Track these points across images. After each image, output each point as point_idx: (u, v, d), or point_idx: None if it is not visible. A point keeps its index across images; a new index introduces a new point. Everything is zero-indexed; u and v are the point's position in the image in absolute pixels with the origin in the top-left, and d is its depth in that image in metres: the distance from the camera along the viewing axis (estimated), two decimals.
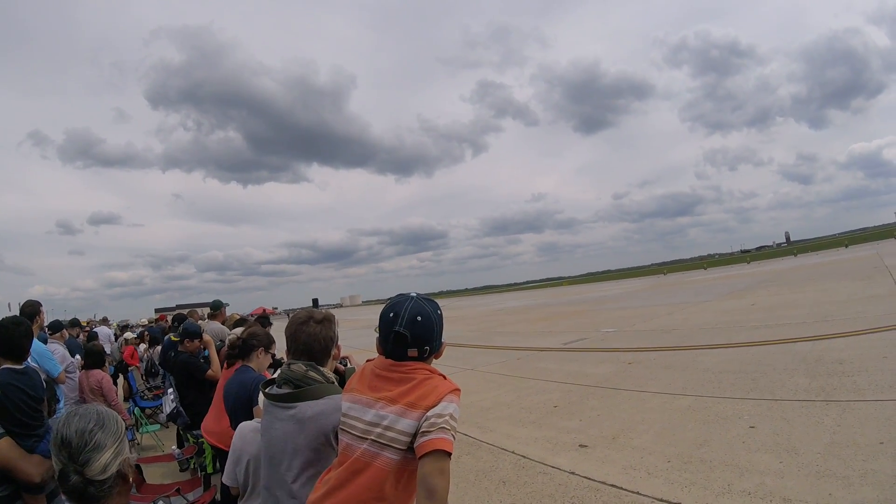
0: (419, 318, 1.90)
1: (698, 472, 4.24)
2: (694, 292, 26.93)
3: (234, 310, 9.13)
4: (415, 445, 1.75)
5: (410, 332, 1.88)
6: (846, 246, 65.21)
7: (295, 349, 2.40)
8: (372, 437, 1.83)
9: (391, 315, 1.93)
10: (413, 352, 1.91)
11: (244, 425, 2.81)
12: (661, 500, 3.83)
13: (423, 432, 1.73)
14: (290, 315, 2.75)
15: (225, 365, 4.05)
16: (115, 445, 1.52)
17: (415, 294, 1.99)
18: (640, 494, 3.97)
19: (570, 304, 31.62)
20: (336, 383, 2.36)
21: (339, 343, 2.61)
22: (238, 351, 3.74)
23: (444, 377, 1.93)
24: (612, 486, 4.19)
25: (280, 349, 2.98)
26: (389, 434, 1.80)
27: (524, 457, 5.10)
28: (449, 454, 1.69)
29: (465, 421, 6.53)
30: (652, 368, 8.59)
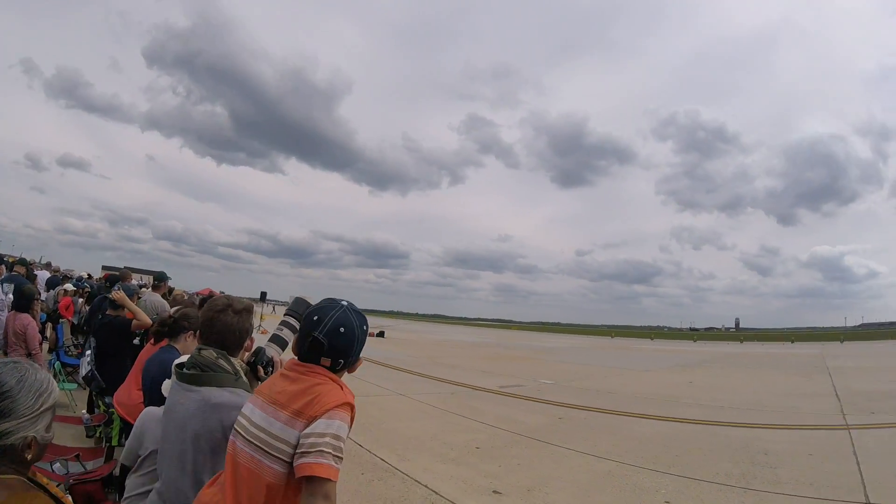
0: (342, 330, 1.79)
1: None
2: (637, 360, 27.28)
3: (181, 286, 8.86)
4: (294, 464, 1.63)
5: (329, 341, 1.78)
6: (792, 342, 66.89)
7: (208, 336, 2.27)
8: (258, 444, 1.71)
9: (314, 318, 1.82)
10: (326, 361, 1.80)
11: (150, 411, 2.67)
12: None
13: (302, 452, 1.62)
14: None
15: (151, 341, 3.87)
16: (23, 419, 1.41)
17: (346, 303, 1.88)
18: None
19: (516, 349, 31.74)
20: (244, 378, 2.24)
21: (253, 336, 2.50)
22: (167, 329, 3.56)
23: (342, 386, 1.81)
24: None
25: None
26: (276, 444, 1.68)
27: (435, 492, 4.97)
28: (329, 479, 1.59)
29: (384, 446, 6.40)
30: (581, 427, 8.55)
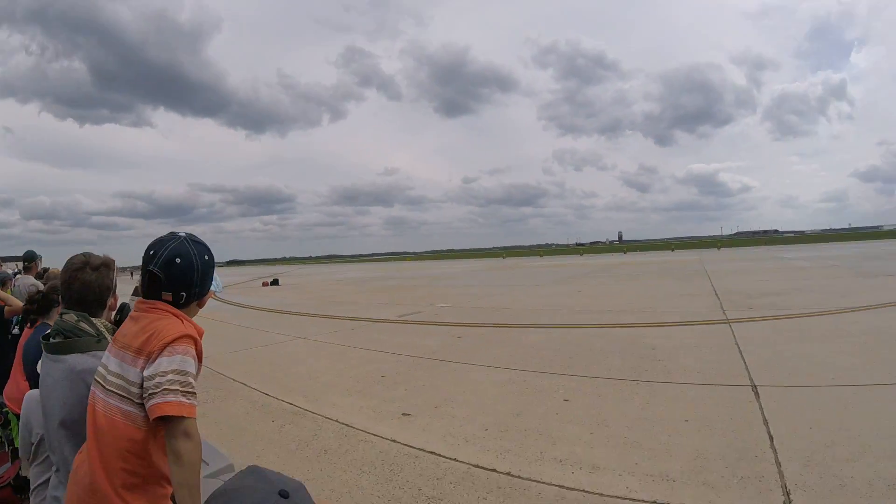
0: (178, 261, 1.76)
1: (513, 440, 4.48)
2: (528, 276, 28.57)
3: (59, 265, 8.26)
4: (145, 406, 1.61)
5: (165, 273, 1.74)
6: (672, 250, 71.91)
7: (68, 298, 2.18)
8: (114, 390, 1.66)
9: (150, 253, 1.77)
10: (167, 296, 1.77)
11: (30, 395, 2.49)
12: (476, 466, 3.99)
13: (150, 394, 1.59)
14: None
15: (28, 325, 3.61)
16: None
17: (184, 234, 1.83)
18: (457, 461, 4.11)
19: (412, 279, 32.13)
20: (109, 337, 2.13)
21: (117, 293, 2.39)
22: (37, 307, 3.30)
23: (185, 319, 1.79)
24: (431, 452, 4.30)
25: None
26: (128, 388, 1.65)
27: (347, 425, 5.09)
28: (183, 416, 1.56)
29: (291, 390, 6.42)
30: (479, 343, 8.98)
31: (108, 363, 1.73)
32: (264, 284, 32.15)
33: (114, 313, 2.33)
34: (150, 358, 1.64)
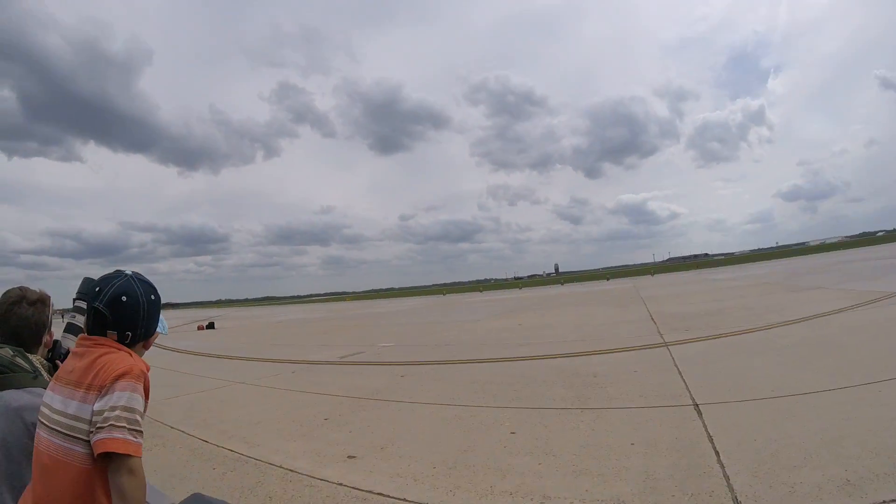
0: (124, 299, 1.72)
1: (462, 476, 4.41)
2: (469, 311, 28.66)
3: None
4: (90, 443, 1.55)
5: (110, 311, 1.70)
6: (608, 279, 73.82)
7: (4, 332, 2.08)
8: (58, 429, 1.60)
9: (97, 290, 1.73)
10: (112, 335, 1.72)
11: None
12: None
13: (96, 428, 1.54)
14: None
15: None
16: None
17: (130, 272, 1.80)
18: (406, 500, 4.01)
19: (352, 319, 31.76)
20: (45, 374, 2.06)
21: (52, 330, 2.30)
22: None
23: (130, 353, 1.74)
24: (379, 494, 4.17)
25: None
26: (74, 424, 1.58)
27: (292, 470, 4.89)
28: (127, 454, 1.52)
29: (232, 436, 6.15)
30: (423, 380, 8.88)
31: (52, 402, 1.66)
32: (200, 328, 31.04)
33: (47, 350, 2.22)
34: (101, 392, 1.59)
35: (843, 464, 3.72)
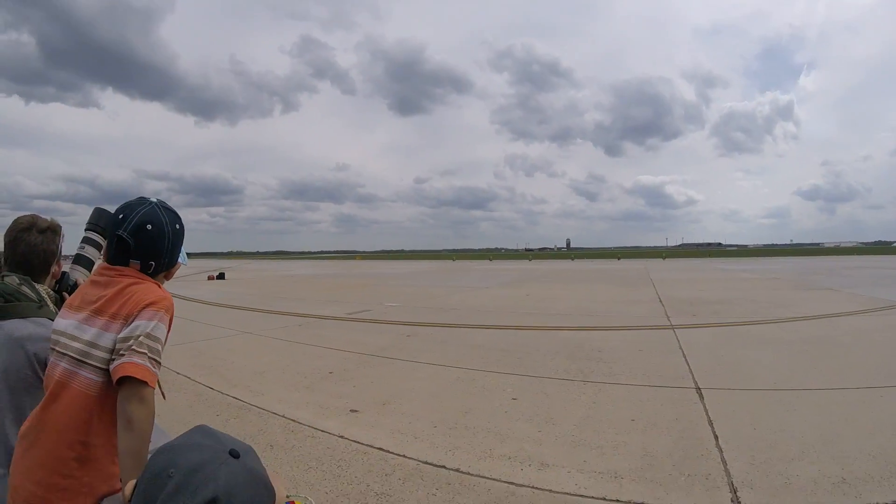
0: (149, 227, 1.65)
1: (462, 437, 4.45)
2: (477, 278, 28.76)
3: None
4: (110, 369, 1.51)
5: (135, 239, 1.64)
6: (619, 258, 73.70)
7: (12, 259, 2.04)
8: (73, 356, 1.55)
9: (119, 217, 1.66)
10: (136, 264, 1.67)
11: None
12: (425, 463, 3.94)
13: (117, 354, 1.50)
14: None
15: None
16: None
17: (155, 200, 1.72)
18: (405, 457, 4.05)
19: (361, 277, 31.93)
20: (51, 305, 2.03)
21: (61, 260, 2.24)
22: None
23: (159, 285, 1.71)
24: (379, 449, 4.23)
25: None
26: (92, 352, 1.54)
27: (294, 420, 4.97)
28: (144, 381, 1.48)
29: (236, 385, 6.24)
30: (427, 342, 8.95)
31: (67, 328, 1.61)
32: (210, 278, 31.29)
33: (55, 281, 2.19)
34: (128, 321, 1.55)
35: (839, 462, 3.71)
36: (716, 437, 4.27)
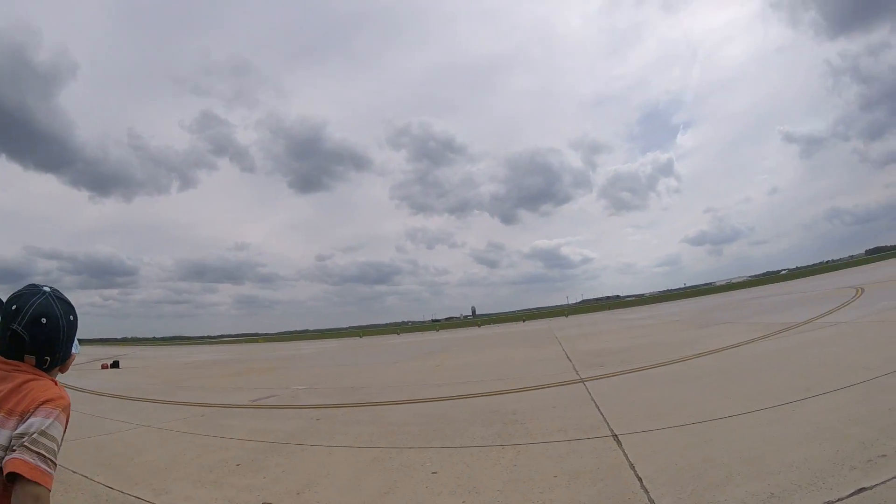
0: (44, 321, 1.60)
1: None
2: (386, 354, 28.32)
3: None
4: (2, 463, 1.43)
5: (30, 334, 1.58)
6: (524, 320, 75.04)
7: None
8: None
9: (13, 308, 1.59)
10: (31, 359, 1.60)
11: None
12: None
13: (10, 451, 1.43)
14: None
15: None
16: None
17: (48, 289, 1.66)
18: None
19: (264, 361, 30.71)
20: None
21: None
22: None
23: (55, 383, 1.64)
24: None
25: None
26: None
27: None
28: (34, 481, 1.40)
29: (138, 483, 5.76)
30: (339, 423, 8.64)
31: None
32: (104, 367, 29.09)
33: None
34: (23, 417, 1.48)
35: (764, 479, 3.93)
36: (639, 479, 4.37)
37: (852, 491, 3.52)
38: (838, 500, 3.44)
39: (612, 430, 6.14)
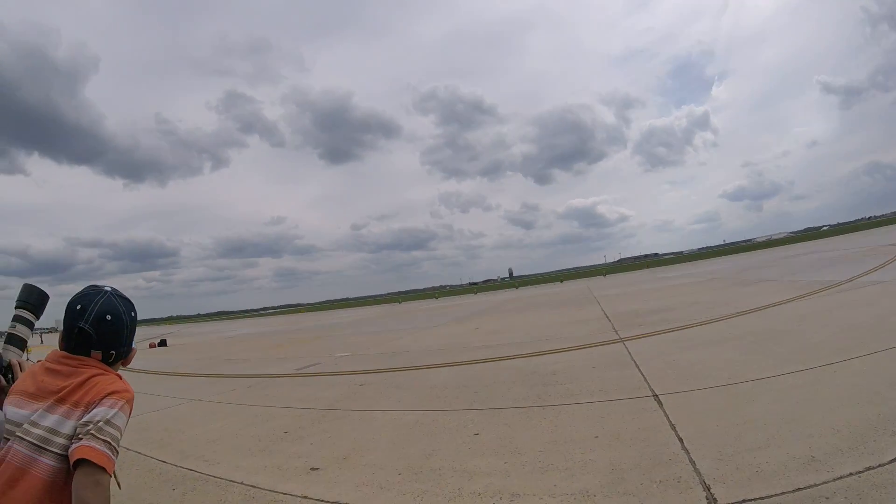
0: (108, 318, 1.68)
1: (428, 480, 4.35)
2: (425, 318, 28.55)
3: None
4: (69, 450, 1.51)
5: (96, 331, 1.65)
6: (561, 281, 74.91)
7: None
8: (30, 440, 1.52)
9: (78, 308, 1.67)
10: (97, 354, 1.68)
11: None
12: None
13: (76, 439, 1.51)
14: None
15: None
16: None
17: (109, 288, 1.75)
18: None
19: (307, 331, 31.25)
20: None
21: None
22: None
23: (119, 377, 1.73)
24: None
25: None
26: (51, 438, 1.52)
27: (253, 486, 4.74)
28: (101, 466, 1.47)
29: (189, 455, 5.94)
30: (381, 388, 8.78)
31: (26, 416, 1.58)
32: (151, 346, 29.96)
33: None
34: (88, 408, 1.56)
35: (805, 442, 3.85)
36: (680, 440, 4.33)
37: (895, 457, 3.41)
38: (879, 465, 3.33)
39: (652, 391, 6.10)
